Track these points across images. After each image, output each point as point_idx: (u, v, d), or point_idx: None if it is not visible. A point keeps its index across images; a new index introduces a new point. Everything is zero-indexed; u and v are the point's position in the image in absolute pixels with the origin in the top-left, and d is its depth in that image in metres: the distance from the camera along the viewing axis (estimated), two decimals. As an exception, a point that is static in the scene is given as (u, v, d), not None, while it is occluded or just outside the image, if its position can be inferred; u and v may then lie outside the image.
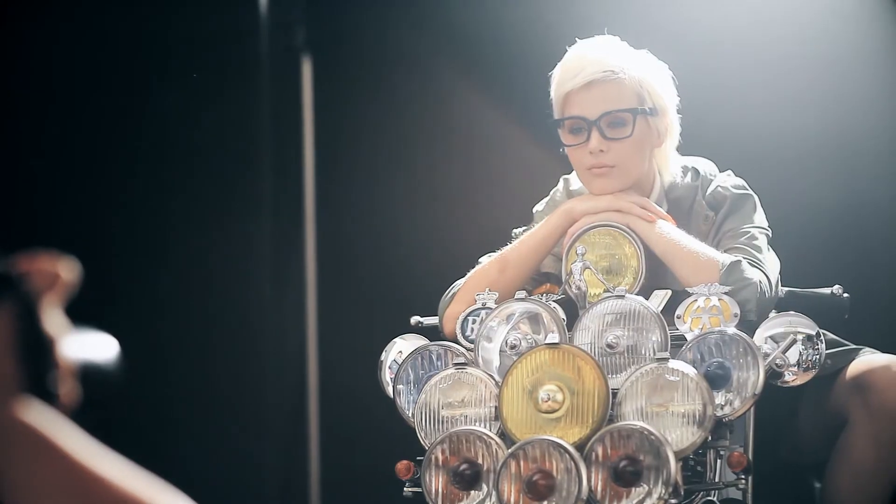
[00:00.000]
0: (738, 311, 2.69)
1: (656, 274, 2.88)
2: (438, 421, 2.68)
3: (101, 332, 1.24)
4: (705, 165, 3.08)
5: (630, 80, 2.93)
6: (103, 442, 1.15)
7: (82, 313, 1.23)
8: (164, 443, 3.98)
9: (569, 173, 3.14)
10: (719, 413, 2.56)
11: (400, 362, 2.83)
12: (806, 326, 2.69)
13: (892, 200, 4.03)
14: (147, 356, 3.90)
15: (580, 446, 2.50)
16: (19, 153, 4.03)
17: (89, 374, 1.19)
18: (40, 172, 4.08)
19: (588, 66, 2.93)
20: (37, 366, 1.13)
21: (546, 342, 2.62)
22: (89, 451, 1.12)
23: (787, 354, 2.66)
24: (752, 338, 2.63)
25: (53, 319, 1.15)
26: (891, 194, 4.04)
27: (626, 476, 2.46)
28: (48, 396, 1.13)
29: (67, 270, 1.17)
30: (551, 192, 3.18)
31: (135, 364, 1.42)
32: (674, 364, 2.55)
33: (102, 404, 1.20)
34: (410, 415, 2.75)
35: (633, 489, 2.45)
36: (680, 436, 2.51)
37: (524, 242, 3.00)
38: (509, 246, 3.02)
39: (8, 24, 4.06)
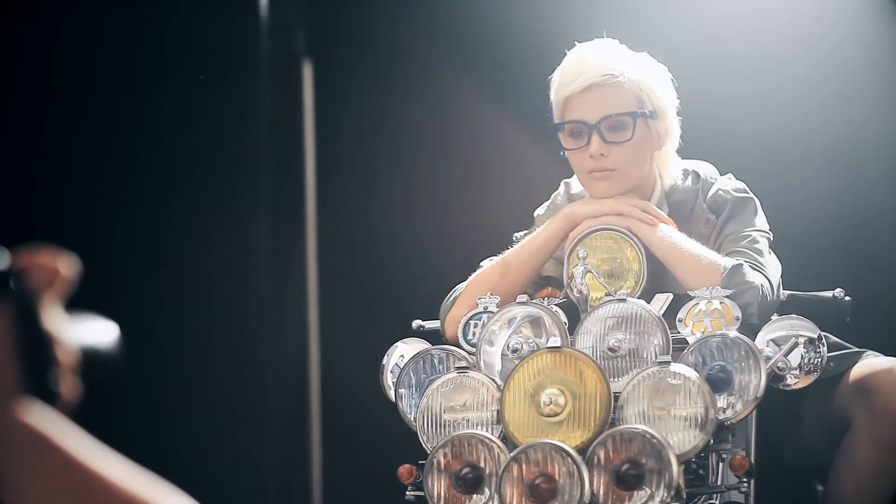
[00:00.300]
0: (740, 315, 2.68)
1: (658, 277, 2.87)
2: (440, 425, 2.67)
3: (100, 319, 1.23)
4: (706, 169, 3.07)
5: (630, 83, 2.92)
6: (103, 442, 1.14)
7: (82, 313, 1.22)
8: (164, 442, 3.97)
9: (569, 177, 3.13)
10: (721, 416, 2.55)
11: (401, 366, 2.82)
12: (808, 329, 2.68)
13: (893, 203, 4.02)
14: (147, 356, 3.89)
15: (582, 450, 2.49)
16: (19, 153, 4.02)
17: (90, 360, 1.18)
18: (40, 172, 4.07)
19: (587, 69, 2.92)
20: (37, 364, 1.12)
21: (548, 346, 2.61)
22: (90, 451, 1.11)
23: (788, 358, 2.66)
24: (753, 341, 2.62)
25: (53, 316, 1.14)
26: (892, 197, 4.03)
27: (628, 479, 2.45)
28: (49, 395, 1.12)
29: (67, 266, 1.16)
30: (552, 196, 3.17)
31: (135, 364, 1.41)
32: (676, 367, 2.54)
33: (103, 388, 1.19)
34: (412, 418, 2.74)
35: (636, 492, 2.44)
36: (682, 439, 2.50)
37: (525, 246, 2.99)
38: (511, 250, 3.01)
39: (8, 24, 4.05)
